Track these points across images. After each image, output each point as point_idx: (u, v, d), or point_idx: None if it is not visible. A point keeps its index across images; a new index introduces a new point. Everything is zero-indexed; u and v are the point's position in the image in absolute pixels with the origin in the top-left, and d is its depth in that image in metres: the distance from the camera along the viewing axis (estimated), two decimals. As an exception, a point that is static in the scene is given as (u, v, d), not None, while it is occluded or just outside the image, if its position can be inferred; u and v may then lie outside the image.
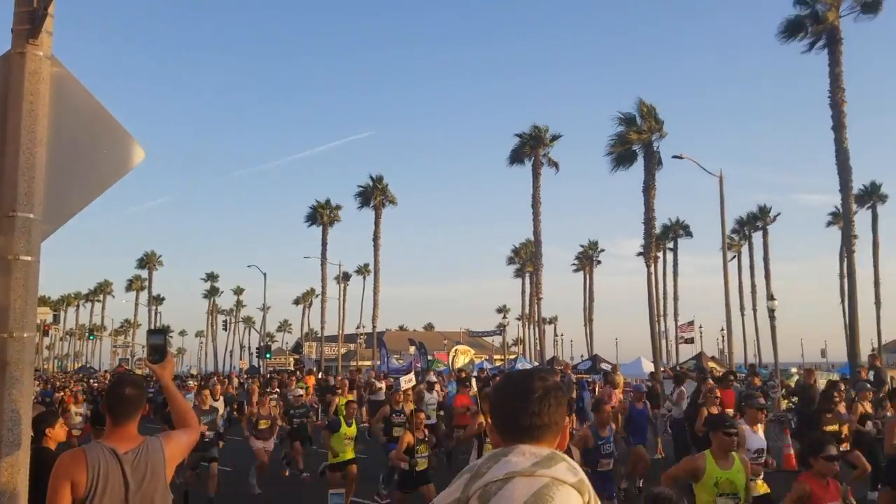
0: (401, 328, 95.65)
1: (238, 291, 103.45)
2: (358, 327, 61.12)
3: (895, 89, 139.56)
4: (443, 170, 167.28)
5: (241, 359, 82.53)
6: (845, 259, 30.87)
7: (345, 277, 73.54)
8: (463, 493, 1.70)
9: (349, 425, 10.62)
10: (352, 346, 68.91)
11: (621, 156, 36.01)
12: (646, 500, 3.43)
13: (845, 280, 30.85)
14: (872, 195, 47.82)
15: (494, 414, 1.88)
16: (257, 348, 55.61)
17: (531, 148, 41.37)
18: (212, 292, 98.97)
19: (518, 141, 41.84)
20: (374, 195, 51.91)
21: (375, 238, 51.93)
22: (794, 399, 17.03)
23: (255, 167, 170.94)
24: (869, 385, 15.63)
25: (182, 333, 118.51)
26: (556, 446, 1.79)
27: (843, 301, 30.56)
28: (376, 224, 52.12)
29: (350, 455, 10.49)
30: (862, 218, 45.39)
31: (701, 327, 56.55)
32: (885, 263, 79.38)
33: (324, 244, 54.53)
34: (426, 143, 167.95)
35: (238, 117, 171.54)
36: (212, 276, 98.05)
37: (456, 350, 35.91)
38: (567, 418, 1.89)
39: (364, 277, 72.58)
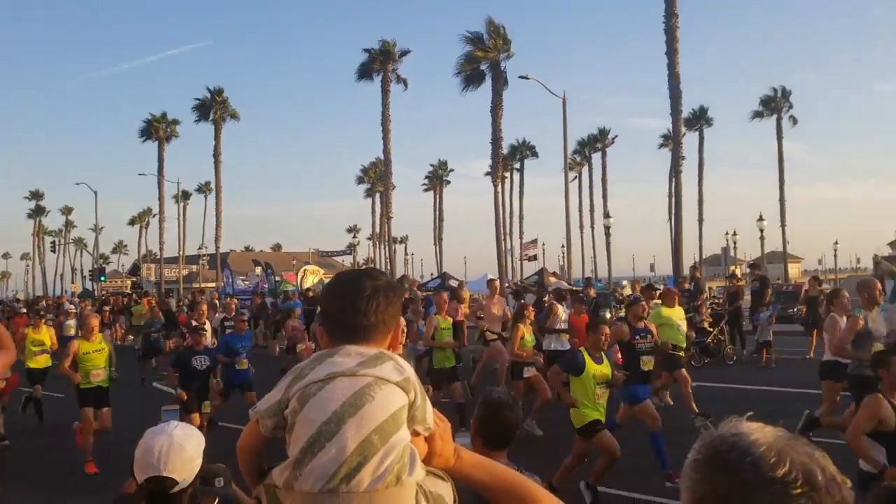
0: (247, 249, 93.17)
1: (66, 211, 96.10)
2: (200, 248, 58.65)
3: (725, 16, 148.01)
4: (289, 84, 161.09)
5: (72, 282, 77.37)
6: (674, 179, 32.90)
7: (184, 196, 70.09)
8: (284, 395, 1.63)
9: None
10: (194, 267, 66.43)
11: (470, 75, 36.09)
12: (480, 405, 3.40)
13: (673, 199, 32.99)
14: (700, 119, 51.09)
15: (323, 314, 1.81)
16: (90, 271, 52.17)
17: (380, 63, 40.53)
18: (37, 212, 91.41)
19: (367, 56, 40.85)
20: (213, 109, 49.20)
21: (216, 155, 49.51)
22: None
23: (84, 75, 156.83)
24: (689, 292, 17.06)
25: (5, 256, 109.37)
26: (386, 346, 1.73)
27: (670, 219, 32.79)
28: (216, 140, 49.63)
29: None
30: (690, 140, 48.53)
31: (544, 245, 59.03)
32: (709, 184, 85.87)
33: (160, 161, 51.54)
34: (271, 56, 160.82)
35: (63, 19, 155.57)
36: (36, 195, 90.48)
37: (305, 270, 35.42)
38: (399, 320, 1.82)
39: (205, 196, 69.38)
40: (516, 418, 3.34)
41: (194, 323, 11.92)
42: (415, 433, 1.62)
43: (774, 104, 49.75)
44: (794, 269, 70.14)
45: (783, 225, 49.21)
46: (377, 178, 59.21)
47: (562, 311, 11.94)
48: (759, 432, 1.04)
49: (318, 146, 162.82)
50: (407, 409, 1.59)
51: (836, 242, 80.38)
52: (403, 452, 1.56)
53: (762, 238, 40.63)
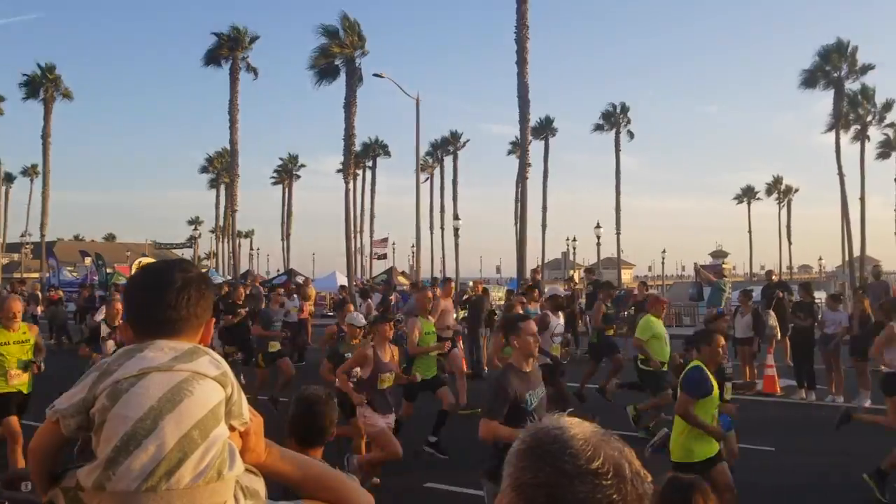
0: (76, 238, 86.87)
1: None
2: (23, 235, 54.04)
3: (574, 33, 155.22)
4: (130, 65, 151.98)
5: None
6: (520, 185, 34.02)
7: (7, 178, 64.51)
8: (89, 393, 1.54)
9: None
10: (15, 256, 61.08)
11: (324, 69, 35.50)
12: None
13: (519, 204, 34.12)
14: (546, 128, 53.27)
15: (129, 308, 1.73)
16: None
17: (229, 50, 38.95)
18: None
19: (216, 41, 39.15)
20: (44, 87, 45.38)
21: (45, 136, 45.67)
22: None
23: None
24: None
25: None
26: (197, 341, 1.68)
27: (516, 223, 33.87)
28: (46, 120, 45.77)
29: None
30: (536, 148, 50.45)
31: (394, 244, 59.36)
32: (553, 191, 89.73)
33: (-21, 139, 46.93)
34: (111, 34, 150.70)
35: None
36: None
37: (139, 262, 33.44)
38: (211, 313, 1.76)
39: (31, 180, 63.99)
40: (330, 415, 3.26)
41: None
42: (231, 428, 1.60)
43: (614, 119, 52.74)
44: (626, 275, 74.67)
45: (618, 233, 52.29)
46: (223, 169, 56.96)
47: (554, 322, 10.38)
48: (579, 427, 1.12)
49: (160, 132, 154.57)
50: (224, 404, 1.57)
51: (664, 251, 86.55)
52: (223, 447, 1.54)
53: (598, 244, 42.95)
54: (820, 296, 18.07)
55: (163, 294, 1.66)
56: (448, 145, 59.24)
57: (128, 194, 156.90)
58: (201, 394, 1.53)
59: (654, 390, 9.66)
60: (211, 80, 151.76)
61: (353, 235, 37.18)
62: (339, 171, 38.52)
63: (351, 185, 37.60)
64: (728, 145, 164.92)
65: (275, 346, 11.36)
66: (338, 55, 34.79)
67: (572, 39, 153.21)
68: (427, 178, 60.94)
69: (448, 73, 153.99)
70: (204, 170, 65.42)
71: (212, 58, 39.50)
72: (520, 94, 30.95)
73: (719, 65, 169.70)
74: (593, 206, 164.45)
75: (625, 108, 52.93)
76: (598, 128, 53.02)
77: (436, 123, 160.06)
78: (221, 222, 62.73)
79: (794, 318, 12.78)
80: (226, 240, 59.78)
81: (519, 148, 35.14)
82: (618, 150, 52.65)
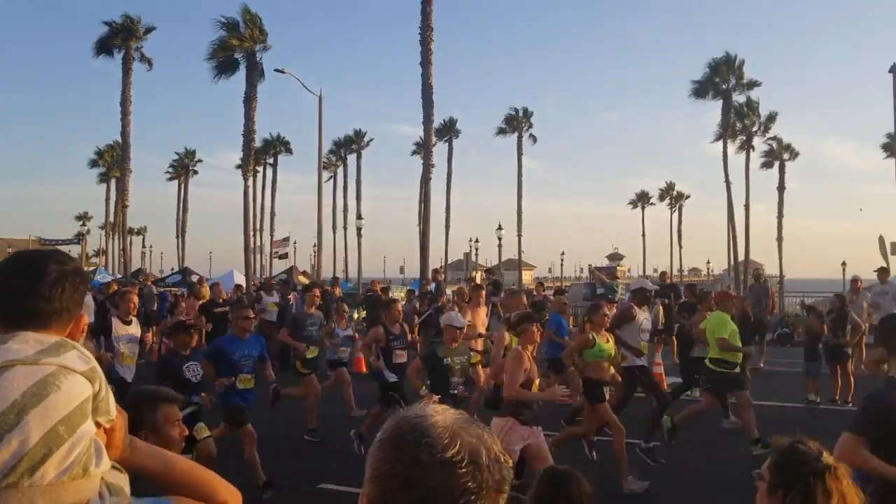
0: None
1: None
2: None
3: (478, 37, 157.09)
4: (10, 50, 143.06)
5: None
6: (424, 186, 34.08)
7: None
8: None
9: None
10: None
11: (224, 63, 34.48)
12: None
13: (422, 205, 34.17)
14: (450, 130, 53.68)
15: None
16: None
17: (122, 40, 37.32)
18: None
19: (107, 29, 37.42)
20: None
21: (-85, 122, 42.56)
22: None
23: None
24: (431, 293, 17.80)
25: None
26: (65, 335, 1.63)
27: (420, 223, 33.95)
28: (-83, 105, 42.67)
29: None
30: (441, 150, 50.77)
31: (295, 243, 58.26)
32: (456, 192, 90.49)
33: None
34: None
35: None
36: None
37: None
38: (81, 308, 1.70)
39: None
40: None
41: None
42: (97, 425, 1.55)
43: (516, 123, 53.69)
44: (527, 276, 76.20)
45: (519, 235, 53.26)
46: (113, 163, 54.47)
47: (642, 317, 9.08)
48: (441, 415, 1.12)
49: (46, 122, 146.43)
50: (92, 400, 1.52)
51: (563, 253, 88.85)
52: (90, 444, 1.50)
53: (500, 246, 43.60)
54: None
55: (36, 284, 1.61)
56: (352, 144, 58.73)
57: (10, 188, 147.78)
58: (69, 389, 1.48)
59: (718, 394, 9.44)
60: (103, 70, 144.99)
61: (252, 234, 36.30)
62: (238, 167, 37.49)
63: (251, 182, 36.78)
64: (626, 152, 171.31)
65: (313, 352, 10.52)
66: (238, 48, 33.88)
67: (477, 43, 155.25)
68: (330, 177, 60.23)
69: (353, 71, 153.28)
70: (94, 164, 62.38)
71: (103, 47, 37.75)
72: (424, 95, 31.04)
73: (619, 73, 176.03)
74: (496, 208, 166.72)
75: (527, 113, 54.03)
76: (502, 131, 53.89)
77: (340, 122, 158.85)
78: (112, 218, 59.93)
79: (680, 317, 13.33)
80: (116, 236, 57.04)
81: (423, 149, 35.23)
82: (520, 154, 53.66)
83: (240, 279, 32.75)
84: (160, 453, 1.75)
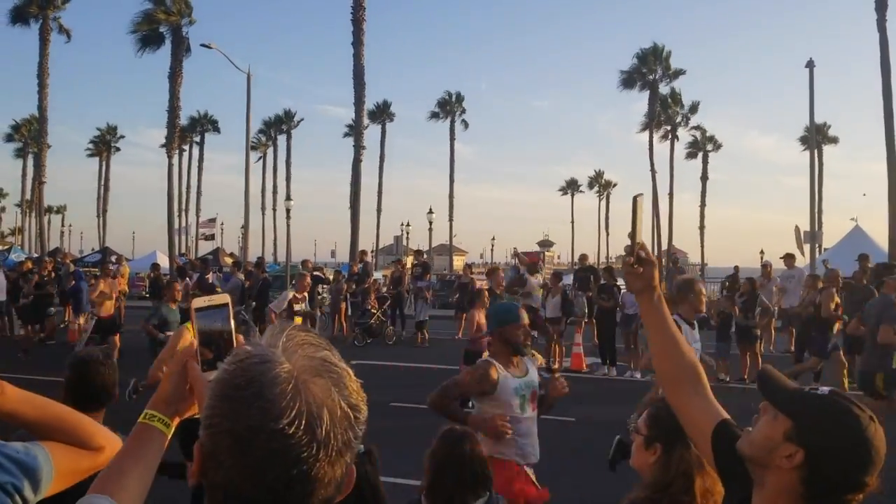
0: None
1: None
2: None
3: (412, 19, 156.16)
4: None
5: None
6: (355, 168, 33.81)
7: None
8: None
9: None
10: None
11: (148, 36, 33.44)
12: None
13: (354, 187, 33.92)
14: (384, 113, 53.33)
15: None
16: None
17: (39, 8, 35.69)
18: None
19: (23, -3, 35.70)
20: None
21: None
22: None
23: None
24: (358, 275, 17.76)
25: None
26: None
27: (351, 206, 33.70)
28: None
29: None
30: (374, 133, 50.48)
31: (223, 224, 57.17)
32: (389, 176, 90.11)
33: None
34: None
35: None
36: None
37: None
38: None
39: None
40: (109, 376, 3.08)
41: None
42: None
43: (449, 107, 53.75)
44: (458, 261, 76.64)
45: (451, 220, 53.54)
46: (30, 138, 52.19)
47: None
48: (292, 361, 0.96)
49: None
50: None
51: (493, 238, 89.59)
52: None
53: (430, 230, 43.65)
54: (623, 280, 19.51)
55: None
56: (282, 124, 57.78)
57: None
58: None
59: None
60: (19, 40, 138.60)
61: (177, 214, 35.42)
62: (162, 145, 36.38)
63: (175, 161, 35.89)
64: (558, 139, 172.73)
65: None
66: (163, 22, 32.91)
67: (413, 26, 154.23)
68: (259, 158, 59.22)
69: (285, 50, 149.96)
70: (9, 138, 59.64)
71: (19, 16, 36.03)
72: (355, 76, 30.80)
73: (552, 62, 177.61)
74: (429, 193, 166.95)
75: (460, 98, 54.12)
76: (434, 115, 53.86)
77: (271, 102, 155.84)
78: (29, 196, 57.46)
79: (599, 300, 13.70)
80: (33, 215, 54.81)
81: (354, 130, 34.94)
82: (452, 139, 53.82)
83: (163, 260, 31.95)
84: (34, 399, 1.69)
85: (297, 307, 10.77)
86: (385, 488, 2.89)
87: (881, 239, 27.55)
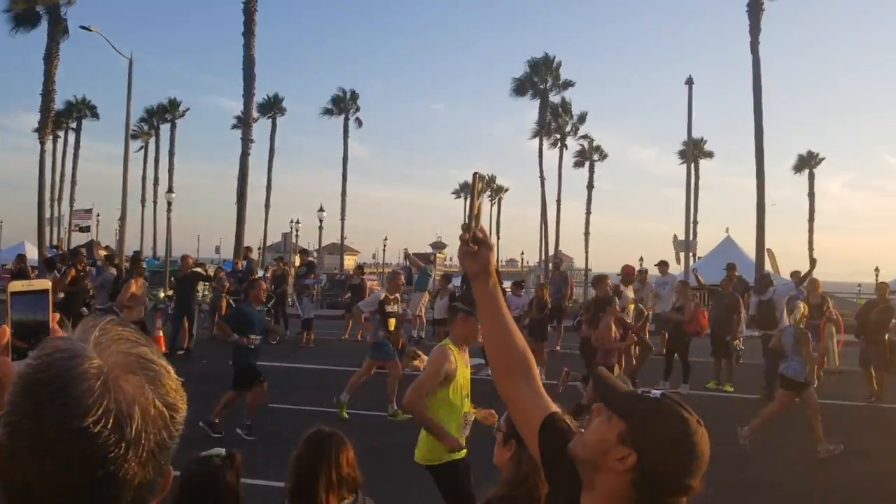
0: None
1: None
2: None
3: (307, 12, 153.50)
4: None
5: None
6: (242, 162, 32.90)
7: None
8: None
9: None
10: None
11: (23, 15, 31.36)
12: None
13: (240, 182, 32.99)
14: (274, 106, 52.14)
15: None
16: None
17: None
18: None
19: None
20: None
21: None
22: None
23: None
24: (241, 272, 17.33)
25: None
26: None
27: (237, 201, 32.73)
28: None
29: None
30: (264, 126, 49.31)
31: (99, 215, 54.20)
32: (279, 172, 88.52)
33: None
34: None
35: None
36: None
37: None
38: None
39: None
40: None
41: None
42: None
43: (344, 104, 53.19)
44: (350, 261, 76.03)
45: (343, 218, 52.96)
46: None
47: None
48: (104, 356, 0.90)
49: None
50: None
51: (386, 238, 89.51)
52: None
53: (321, 228, 43.07)
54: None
55: None
56: (165, 113, 55.47)
57: None
58: None
59: None
60: None
61: (49, 203, 33.36)
62: (35, 130, 34.17)
63: (49, 147, 33.76)
64: (452, 143, 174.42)
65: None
66: (39, 2, 30.95)
67: (306, 20, 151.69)
68: (141, 147, 56.64)
69: (172, 38, 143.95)
70: None
71: None
72: (245, 67, 30.04)
73: (449, 65, 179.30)
74: (321, 191, 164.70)
75: (354, 95, 53.65)
76: (328, 112, 53.18)
77: (157, 90, 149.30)
78: None
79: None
80: None
81: (242, 123, 34.01)
82: (346, 136, 53.24)
83: (31, 251, 30.09)
84: None
85: (389, 308, 10.34)
86: (256, 490, 2.83)
87: (750, 249, 29.44)
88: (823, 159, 60.07)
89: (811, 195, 58.77)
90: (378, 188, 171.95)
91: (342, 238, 55.71)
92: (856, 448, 8.87)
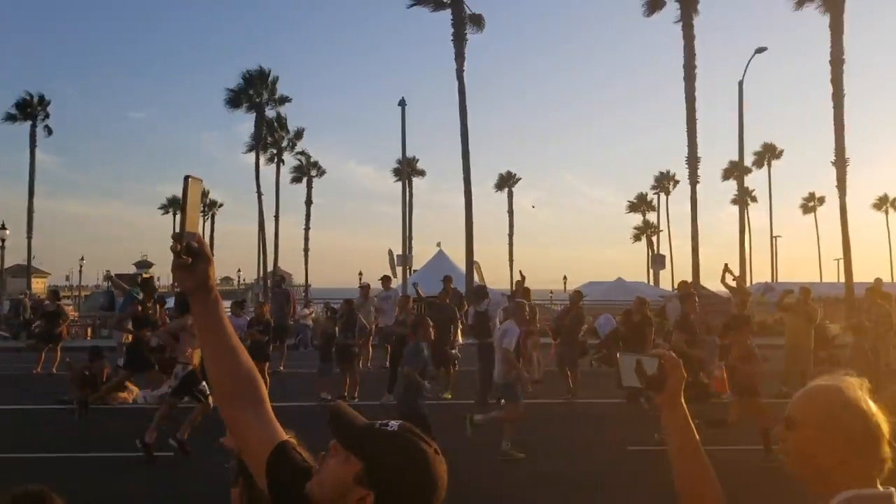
0: None
1: None
2: None
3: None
4: None
5: None
6: None
7: None
8: None
9: None
10: None
11: None
12: None
13: None
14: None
15: None
16: None
17: None
18: None
19: None
20: None
21: None
22: None
23: None
24: None
25: None
26: None
27: None
28: None
29: None
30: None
31: None
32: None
33: None
34: None
35: None
36: None
37: None
38: None
39: None
40: None
41: None
42: None
43: (31, 110, 47.39)
44: (39, 284, 67.84)
45: (30, 237, 46.99)
46: None
47: None
48: None
49: None
50: None
51: (83, 258, 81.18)
52: None
53: (3, 248, 37.78)
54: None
55: None
56: None
57: None
58: None
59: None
60: None
61: None
62: None
63: None
64: (159, 155, 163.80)
65: None
66: None
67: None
68: None
69: None
70: None
71: None
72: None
73: (154, 71, 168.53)
74: (3, 206, 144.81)
75: (43, 101, 48.01)
76: (11, 118, 46.98)
77: None
78: None
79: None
80: None
81: None
82: (33, 146, 47.39)
83: None
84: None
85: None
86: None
87: (461, 261, 31.49)
88: (520, 179, 66.41)
89: (510, 212, 64.29)
90: (73, 203, 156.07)
91: (29, 259, 49.48)
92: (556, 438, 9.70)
